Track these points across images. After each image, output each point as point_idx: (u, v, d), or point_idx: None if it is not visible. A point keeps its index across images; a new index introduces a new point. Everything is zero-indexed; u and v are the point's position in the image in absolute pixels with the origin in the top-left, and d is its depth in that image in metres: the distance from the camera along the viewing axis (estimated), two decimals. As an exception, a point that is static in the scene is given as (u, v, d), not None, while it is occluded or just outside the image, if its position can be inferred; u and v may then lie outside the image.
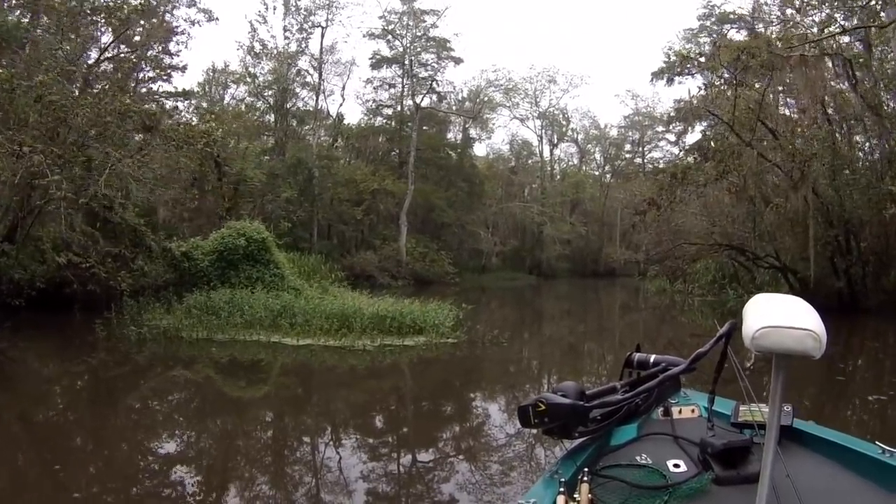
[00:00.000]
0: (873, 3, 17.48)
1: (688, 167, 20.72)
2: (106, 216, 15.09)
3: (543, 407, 2.06)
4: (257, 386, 9.39)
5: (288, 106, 35.96)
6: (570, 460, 2.13)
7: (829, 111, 19.19)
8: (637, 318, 23.75)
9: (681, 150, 33.31)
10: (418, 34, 41.07)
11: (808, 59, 16.23)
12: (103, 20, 18.52)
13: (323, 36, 37.67)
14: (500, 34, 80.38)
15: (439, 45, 41.54)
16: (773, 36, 18.90)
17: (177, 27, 26.70)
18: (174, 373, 10.02)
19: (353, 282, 23.26)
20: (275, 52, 35.84)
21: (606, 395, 2.30)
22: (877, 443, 2.02)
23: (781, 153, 18.19)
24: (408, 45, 41.18)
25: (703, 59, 18.97)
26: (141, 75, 25.94)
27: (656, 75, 26.85)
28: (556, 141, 54.33)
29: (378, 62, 41.88)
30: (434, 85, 42.07)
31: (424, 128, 42.45)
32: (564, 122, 53.56)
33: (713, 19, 33.54)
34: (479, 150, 52.33)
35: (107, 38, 20.51)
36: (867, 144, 20.78)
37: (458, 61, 42.27)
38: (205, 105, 32.97)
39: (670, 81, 22.69)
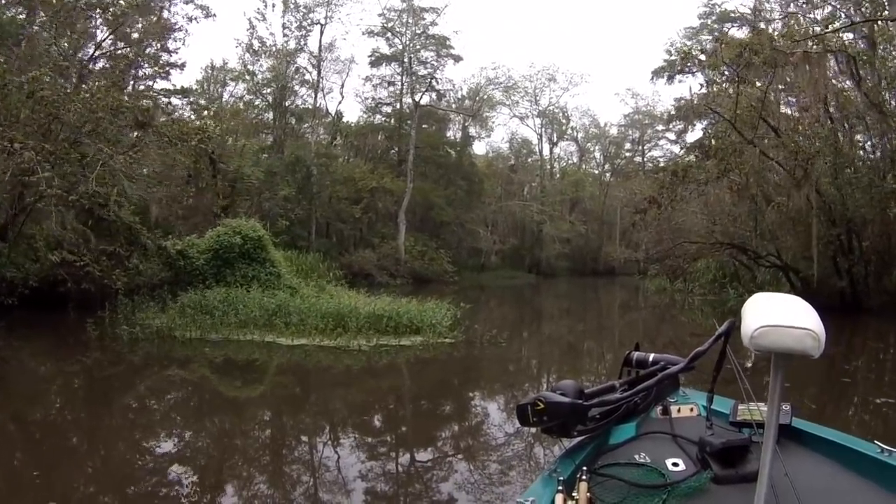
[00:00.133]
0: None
1: (689, 165, 20.61)
2: (100, 214, 14.92)
3: (542, 405, 2.05)
4: (253, 386, 9.32)
5: (287, 104, 35.93)
6: (568, 459, 2.14)
7: (832, 109, 19.05)
8: (637, 316, 23.66)
9: (681, 149, 33.16)
10: (418, 32, 40.96)
11: (811, 56, 16.10)
12: (98, 15, 18.39)
13: (322, 33, 37.64)
14: (499, 32, 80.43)
15: (439, 42, 41.43)
16: (776, 33, 18.74)
17: (175, 24, 26.66)
18: (169, 372, 9.95)
19: (351, 280, 23.19)
20: (273, 49, 35.84)
21: (605, 393, 2.30)
22: (876, 442, 2.01)
23: (784, 151, 18.06)
24: (407, 42, 41.09)
25: (704, 57, 18.77)
26: (139, 72, 25.90)
27: (657, 73, 26.86)
28: (555, 139, 54.36)
29: (377, 60, 41.81)
30: (433, 83, 42.04)
31: (423, 126, 42.33)
32: (564, 121, 53.52)
33: (714, 18, 33.52)
34: (479, 148, 52.44)
35: (103, 35, 20.44)
36: (869, 143, 20.71)
37: (457, 59, 42.30)
38: (202, 102, 32.87)
39: (671, 79, 22.63)
